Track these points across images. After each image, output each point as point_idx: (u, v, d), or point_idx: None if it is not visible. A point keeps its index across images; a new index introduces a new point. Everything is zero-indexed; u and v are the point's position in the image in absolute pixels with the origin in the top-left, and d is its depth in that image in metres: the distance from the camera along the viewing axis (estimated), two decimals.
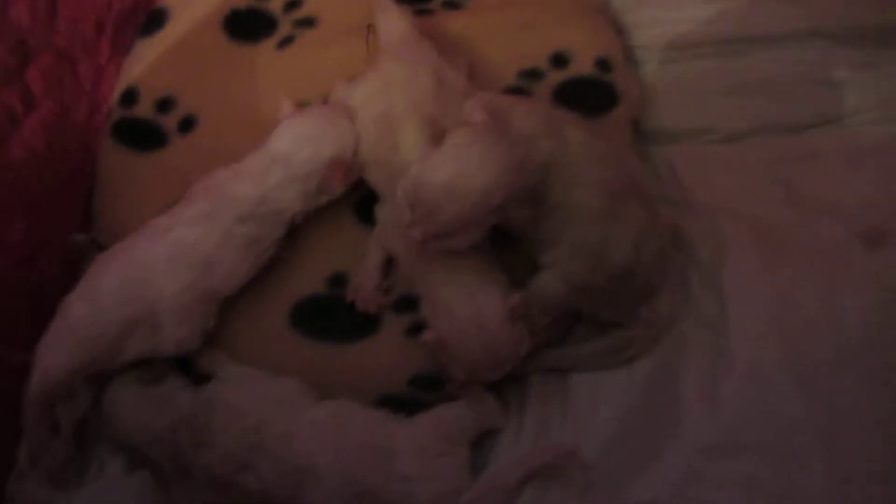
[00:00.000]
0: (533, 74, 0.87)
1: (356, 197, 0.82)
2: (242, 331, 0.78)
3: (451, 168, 0.66)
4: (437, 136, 0.70)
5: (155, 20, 0.96)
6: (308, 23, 0.92)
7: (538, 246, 0.73)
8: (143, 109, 0.90)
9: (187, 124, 0.88)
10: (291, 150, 0.75)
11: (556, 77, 0.86)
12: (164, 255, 0.72)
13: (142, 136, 0.88)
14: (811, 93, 0.91)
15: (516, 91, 0.85)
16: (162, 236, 0.73)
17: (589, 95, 0.85)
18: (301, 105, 0.81)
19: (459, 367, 0.70)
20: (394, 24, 0.81)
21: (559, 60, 0.87)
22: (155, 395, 0.75)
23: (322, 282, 0.79)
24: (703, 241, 0.81)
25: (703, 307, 0.78)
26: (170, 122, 0.88)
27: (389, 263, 0.79)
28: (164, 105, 0.89)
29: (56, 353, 0.70)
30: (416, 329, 0.75)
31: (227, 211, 0.73)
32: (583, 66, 0.87)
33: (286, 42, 0.91)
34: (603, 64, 0.87)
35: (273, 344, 0.78)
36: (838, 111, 0.90)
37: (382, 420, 0.73)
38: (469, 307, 0.69)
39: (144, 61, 0.93)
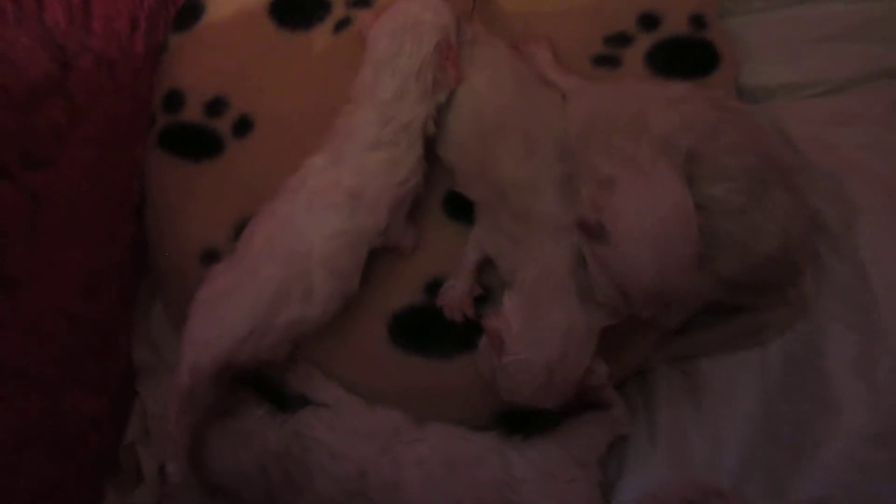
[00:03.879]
0: (621, 39, 0.79)
1: (441, 194, 0.75)
2: (338, 349, 0.70)
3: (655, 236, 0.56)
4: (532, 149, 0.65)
5: (190, 12, 0.86)
6: (363, 2, 0.83)
7: None
8: (192, 113, 0.81)
9: (243, 126, 0.79)
10: (393, 51, 0.68)
11: (647, 40, 0.78)
12: (306, 205, 0.65)
13: (194, 143, 0.79)
14: None
15: (605, 60, 0.77)
16: (299, 190, 0.66)
17: (687, 57, 0.77)
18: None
19: (492, 373, 0.62)
20: (464, 29, 0.72)
21: (649, 21, 0.79)
22: (237, 430, 0.67)
23: (420, 290, 0.71)
24: (828, 206, 0.74)
25: (840, 279, 0.71)
26: (223, 125, 0.80)
27: (484, 267, 0.71)
28: (215, 107, 0.80)
29: (209, 330, 0.62)
30: None
31: (353, 146, 0.67)
32: (676, 25, 0.79)
33: (342, 25, 0.82)
34: (697, 20, 0.79)
35: (373, 363, 0.70)
36: None
37: (495, 447, 0.66)
38: (557, 350, 0.59)
39: (184, 59, 0.84)
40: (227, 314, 0.62)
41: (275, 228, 0.65)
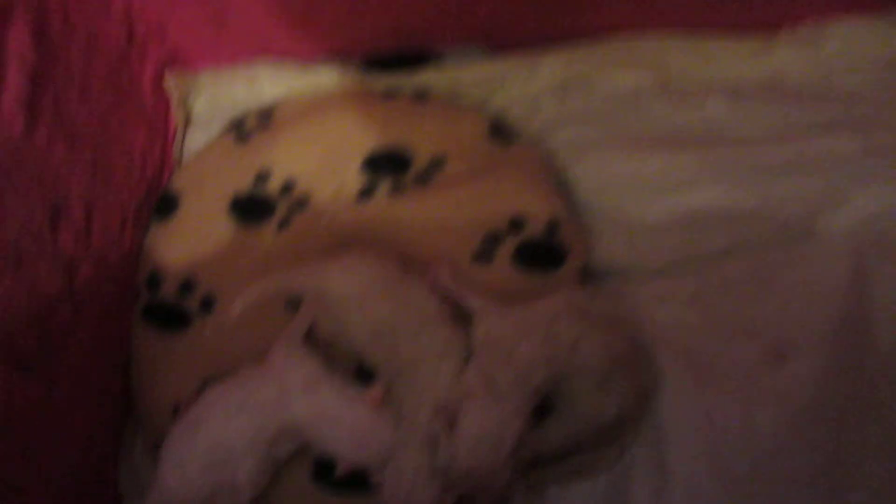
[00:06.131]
0: (494, 239, 1.04)
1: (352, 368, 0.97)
2: (267, 490, 0.90)
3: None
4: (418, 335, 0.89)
5: (167, 204, 1.11)
6: (301, 204, 1.08)
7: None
8: (168, 292, 1.05)
9: (208, 303, 1.04)
10: (306, 418, 0.86)
11: (514, 240, 1.03)
12: (238, 438, 0.86)
13: (169, 318, 1.03)
14: (721, 225, 1.08)
15: (482, 255, 1.03)
16: (232, 418, 0.86)
17: (542, 255, 1.03)
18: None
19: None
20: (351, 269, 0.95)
21: (516, 225, 1.04)
22: None
23: None
24: (643, 374, 1.00)
25: (646, 431, 0.96)
26: (192, 302, 1.04)
27: None
28: (186, 287, 1.05)
29: None
30: None
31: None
32: (535, 229, 1.04)
33: (284, 224, 1.07)
34: (552, 225, 1.04)
35: (298, 500, 0.92)
36: (746, 238, 1.08)
37: None
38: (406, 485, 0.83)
39: (163, 245, 1.08)
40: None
41: (212, 450, 0.85)
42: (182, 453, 0.88)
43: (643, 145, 1.13)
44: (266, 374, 0.91)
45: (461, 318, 0.96)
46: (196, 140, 1.19)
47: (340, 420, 0.86)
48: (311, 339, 0.97)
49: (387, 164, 1.10)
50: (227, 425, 0.87)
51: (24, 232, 0.85)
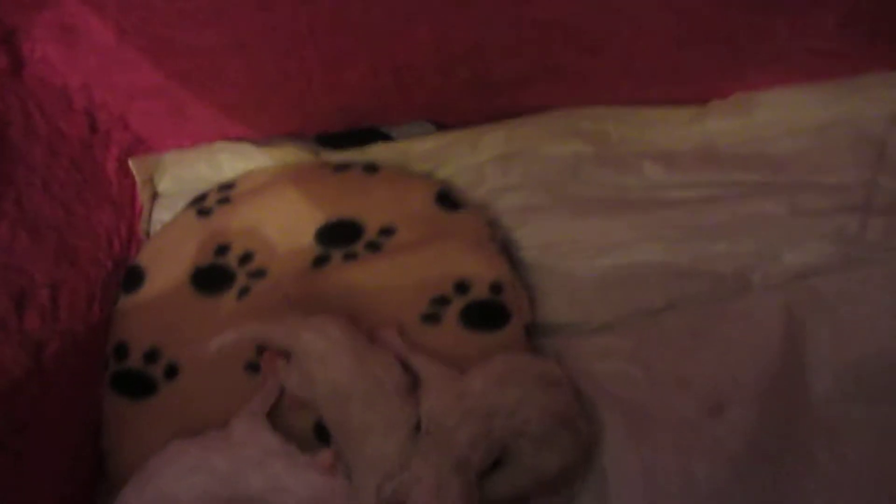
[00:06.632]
0: (442, 301, 1.09)
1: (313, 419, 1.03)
2: None
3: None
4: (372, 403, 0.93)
5: (134, 278, 1.17)
6: (260, 274, 1.14)
7: None
8: (134, 362, 1.10)
9: (171, 371, 1.09)
10: (260, 491, 0.90)
11: (459, 302, 1.09)
12: (186, 495, 0.90)
13: (135, 385, 1.09)
14: (659, 282, 1.14)
15: (430, 318, 1.08)
16: (184, 476, 0.91)
17: (487, 315, 1.08)
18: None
19: None
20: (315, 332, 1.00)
21: (461, 287, 1.10)
22: None
23: None
24: (586, 426, 1.04)
25: (589, 483, 1.00)
26: (157, 371, 1.09)
27: None
28: (151, 356, 1.10)
29: None
30: None
31: None
32: (480, 291, 1.10)
33: (244, 292, 1.13)
34: (496, 287, 1.10)
35: None
36: (683, 294, 1.14)
37: None
38: None
39: (130, 316, 1.14)
40: None
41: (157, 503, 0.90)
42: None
43: (584, 208, 1.20)
44: (224, 442, 0.96)
45: (417, 385, 1.01)
46: (164, 215, 1.26)
47: (293, 491, 0.91)
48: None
49: (339, 235, 1.17)
50: (178, 482, 0.92)
51: None
